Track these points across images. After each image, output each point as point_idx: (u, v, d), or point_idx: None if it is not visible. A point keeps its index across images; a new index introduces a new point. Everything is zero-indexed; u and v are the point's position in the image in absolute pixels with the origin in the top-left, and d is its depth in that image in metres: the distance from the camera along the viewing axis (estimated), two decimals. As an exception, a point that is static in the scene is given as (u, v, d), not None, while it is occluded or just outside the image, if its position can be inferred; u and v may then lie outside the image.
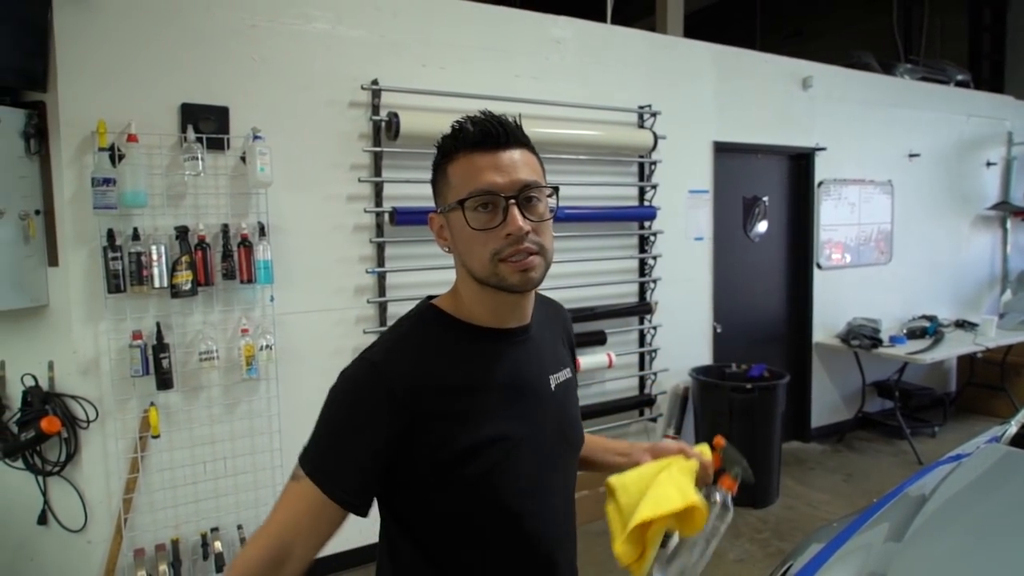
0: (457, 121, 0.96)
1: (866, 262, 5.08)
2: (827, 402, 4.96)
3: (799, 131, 4.60)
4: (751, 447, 3.79)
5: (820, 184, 4.75)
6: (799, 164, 4.75)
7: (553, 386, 1.06)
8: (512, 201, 0.92)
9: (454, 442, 0.92)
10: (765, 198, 4.61)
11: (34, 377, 2.51)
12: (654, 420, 4.03)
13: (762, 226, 4.61)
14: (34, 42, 2.36)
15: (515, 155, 0.95)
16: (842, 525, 1.57)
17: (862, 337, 4.63)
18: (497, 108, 3.50)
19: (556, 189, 0.99)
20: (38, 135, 2.43)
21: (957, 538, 1.39)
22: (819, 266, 4.80)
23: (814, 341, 4.83)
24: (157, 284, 2.53)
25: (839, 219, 4.89)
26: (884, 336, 4.68)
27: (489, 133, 0.94)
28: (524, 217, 0.92)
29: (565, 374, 1.11)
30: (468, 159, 0.94)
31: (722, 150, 4.23)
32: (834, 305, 4.89)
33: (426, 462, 0.92)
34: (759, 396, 3.78)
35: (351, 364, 0.96)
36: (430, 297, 1.05)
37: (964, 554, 1.34)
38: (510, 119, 0.97)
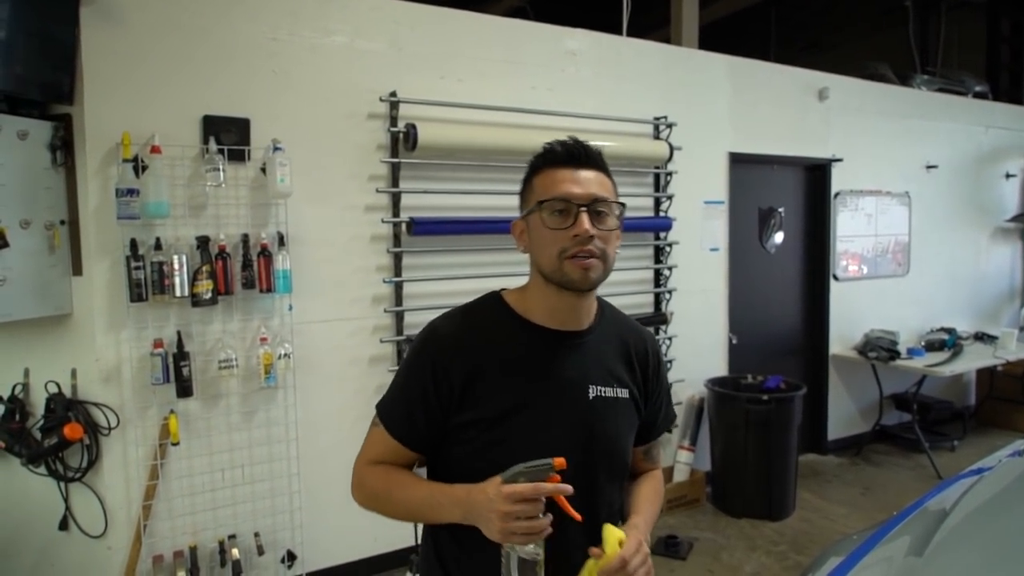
0: (548, 143, 1.13)
1: (883, 274, 5.05)
2: (844, 414, 4.92)
3: (815, 142, 4.59)
4: (767, 459, 3.77)
5: (836, 195, 4.73)
6: (815, 175, 4.74)
7: (591, 395, 1.14)
8: (583, 209, 1.06)
9: (476, 408, 1.08)
10: (781, 209, 4.59)
11: (57, 384, 2.55)
12: (669, 431, 4.00)
13: (778, 237, 4.60)
14: (61, 56, 2.41)
15: (591, 174, 1.11)
16: (861, 538, 1.55)
17: (879, 349, 4.59)
18: (512, 119, 3.52)
19: (624, 206, 1.13)
20: (64, 147, 2.48)
21: (979, 553, 1.38)
22: (835, 277, 4.77)
23: (831, 353, 4.79)
24: (178, 293, 2.56)
25: (856, 230, 4.86)
26: (902, 348, 4.64)
27: (573, 154, 1.11)
28: (592, 224, 1.06)
29: (614, 391, 1.17)
30: (552, 172, 1.11)
31: (738, 161, 4.23)
32: (851, 317, 4.85)
33: (453, 419, 1.09)
34: (775, 408, 3.75)
35: (426, 327, 1.16)
36: (502, 290, 1.20)
37: (987, 569, 1.32)
38: (593, 147, 1.13)
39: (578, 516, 0.98)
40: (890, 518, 1.62)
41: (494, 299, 1.18)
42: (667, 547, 3.38)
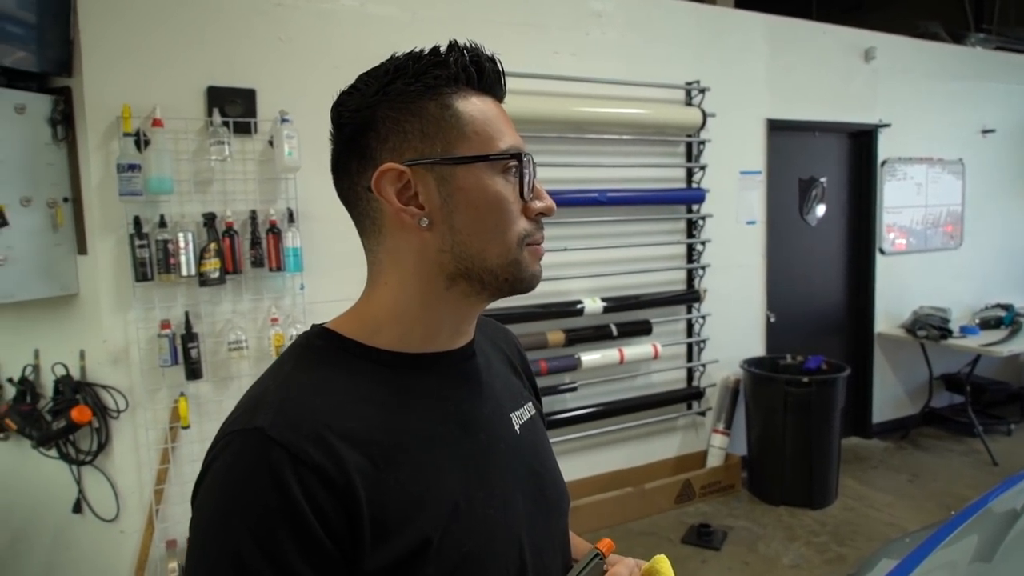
0: (459, 46, 0.71)
1: (934, 247, 4.74)
2: (890, 396, 4.66)
3: (860, 107, 4.30)
4: (807, 444, 3.57)
5: (883, 163, 4.44)
6: (860, 142, 4.45)
7: (517, 426, 0.80)
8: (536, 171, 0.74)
9: (401, 533, 0.63)
10: (823, 179, 4.33)
11: (65, 366, 2.49)
12: (702, 414, 3.84)
13: (820, 209, 4.34)
14: (58, 26, 2.31)
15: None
16: (916, 540, 1.38)
17: (929, 327, 4.32)
18: (535, 86, 3.32)
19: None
20: (64, 121, 2.39)
21: (1057, 559, 1.19)
22: (882, 251, 4.50)
23: (876, 331, 4.53)
24: (185, 272, 2.47)
25: (904, 201, 4.56)
26: (954, 326, 4.35)
27: (501, 80, 0.74)
28: None
29: (528, 411, 0.85)
30: (483, 102, 0.71)
31: (776, 128, 3.98)
32: (898, 293, 4.58)
33: (364, 566, 0.61)
34: (816, 390, 3.54)
35: (224, 441, 0.62)
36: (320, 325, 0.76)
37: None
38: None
39: None
40: (949, 519, 1.44)
41: (325, 340, 0.72)
42: (700, 536, 3.22)
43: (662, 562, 0.78)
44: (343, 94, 0.72)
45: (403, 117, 0.69)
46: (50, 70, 2.34)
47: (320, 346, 0.72)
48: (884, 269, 4.52)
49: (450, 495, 0.67)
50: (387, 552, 0.62)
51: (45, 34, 2.29)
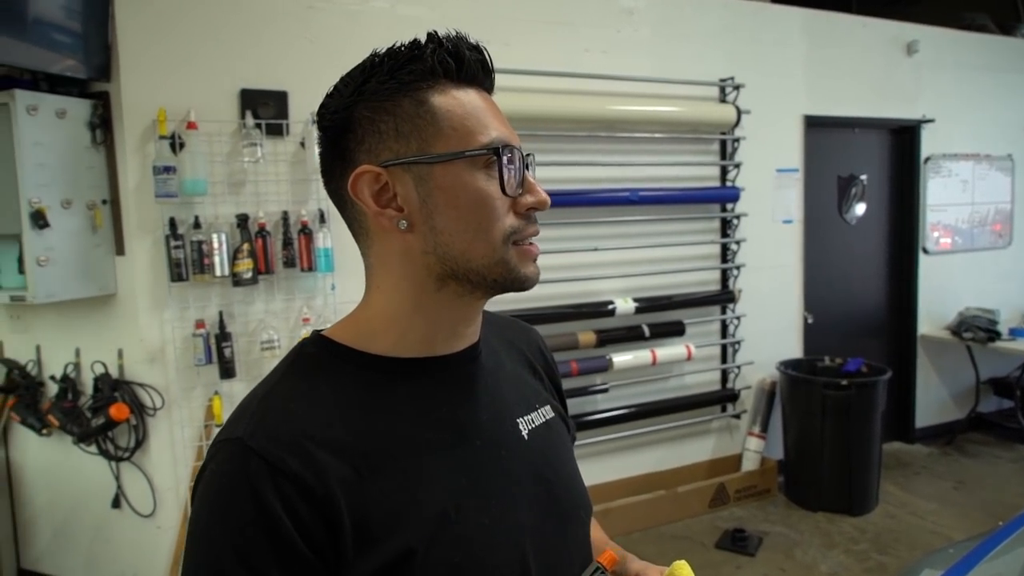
0: (437, 35, 0.67)
1: (981, 246, 4.58)
2: (934, 400, 4.51)
3: (902, 102, 4.17)
4: (846, 448, 3.47)
5: (927, 160, 4.30)
6: (902, 138, 4.31)
7: (524, 431, 0.75)
8: (528, 163, 0.70)
9: (387, 539, 0.61)
10: (863, 176, 4.21)
11: (104, 365, 2.55)
12: (737, 417, 3.76)
13: (860, 207, 4.22)
14: (99, 33, 2.37)
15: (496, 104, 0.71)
16: (962, 551, 1.32)
17: (976, 329, 4.16)
18: (565, 85, 3.28)
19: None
20: (103, 125, 2.45)
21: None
22: (925, 251, 4.35)
23: (919, 333, 4.39)
24: (219, 273, 2.51)
25: (949, 199, 4.41)
26: (1002, 328, 4.18)
27: (487, 70, 0.70)
28: None
29: (543, 415, 0.80)
30: (464, 94, 0.67)
31: (814, 125, 3.88)
32: (943, 294, 4.43)
33: (350, 571, 0.60)
34: (856, 393, 3.44)
35: (212, 451, 0.63)
36: (318, 331, 0.74)
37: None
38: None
39: None
40: (997, 528, 1.37)
41: (318, 347, 0.71)
42: (734, 541, 3.16)
43: (682, 568, 0.75)
44: (326, 96, 0.70)
45: (378, 116, 0.66)
46: (93, 76, 2.40)
47: (312, 353, 0.70)
48: (928, 269, 4.38)
49: (438, 504, 0.64)
50: (370, 562, 0.60)
51: (89, 41, 2.35)
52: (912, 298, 4.37)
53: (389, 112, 0.66)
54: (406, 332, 0.70)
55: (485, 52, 0.70)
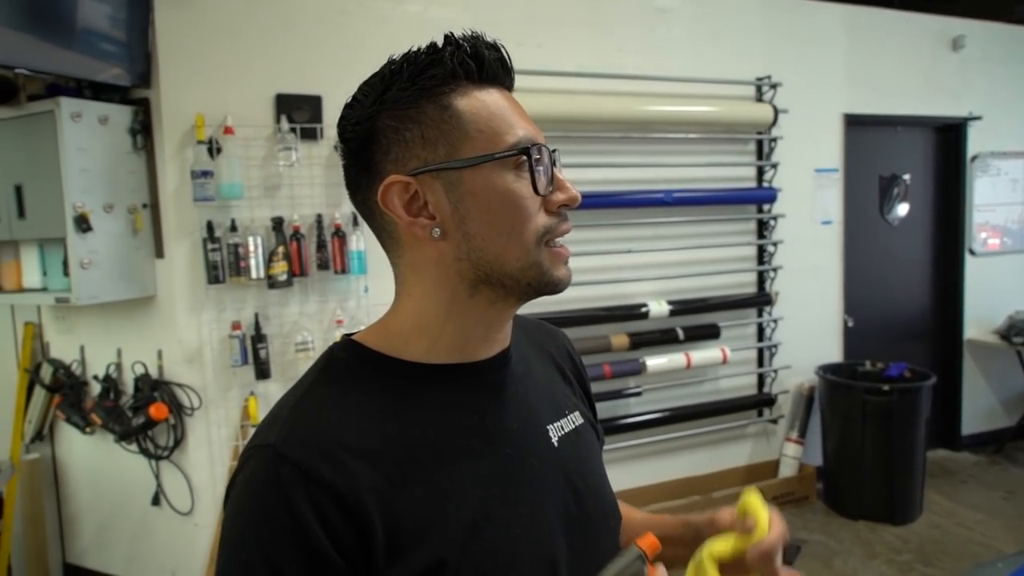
0: (454, 36, 0.66)
1: (1032, 247, 4.41)
2: (982, 407, 4.35)
3: (947, 99, 4.04)
4: (888, 455, 3.37)
5: (974, 159, 4.16)
6: (947, 137, 4.18)
7: (554, 439, 0.74)
8: (557, 161, 0.69)
9: (414, 548, 0.60)
10: (906, 176, 4.09)
11: (144, 365, 2.60)
12: (774, 422, 3.68)
13: (902, 208, 4.10)
14: (139, 40, 2.42)
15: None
16: (1011, 564, 1.26)
17: (1027, 333, 4.01)
18: (599, 85, 3.24)
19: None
20: (143, 131, 2.51)
21: None
22: (972, 252, 4.21)
23: (966, 337, 4.24)
24: (254, 275, 2.54)
25: (997, 198, 4.26)
26: (1055, 332, 4.03)
27: (507, 68, 0.68)
28: None
29: (572, 421, 0.79)
30: (487, 94, 0.67)
31: (854, 123, 3.78)
32: (991, 296, 4.28)
33: None
34: (898, 399, 3.34)
35: (244, 457, 0.63)
36: (348, 335, 0.73)
37: None
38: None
39: None
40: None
41: (349, 353, 0.70)
42: (771, 549, 3.08)
43: (752, 496, 0.74)
44: (345, 107, 0.69)
45: (403, 125, 0.65)
46: (136, 83, 2.45)
47: (343, 359, 0.70)
48: (974, 271, 4.23)
49: (469, 513, 0.63)
50: (401, 571, 0.59)
51: (132, 49, 2.41)
52: (958, 301, 4.23)
53: (414, 120, 0.65)
54: (438, 339, 0.69)
55: (503, 50, 0.68)
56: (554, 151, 0.69)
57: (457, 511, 0.63)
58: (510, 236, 0.65)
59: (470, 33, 0.67)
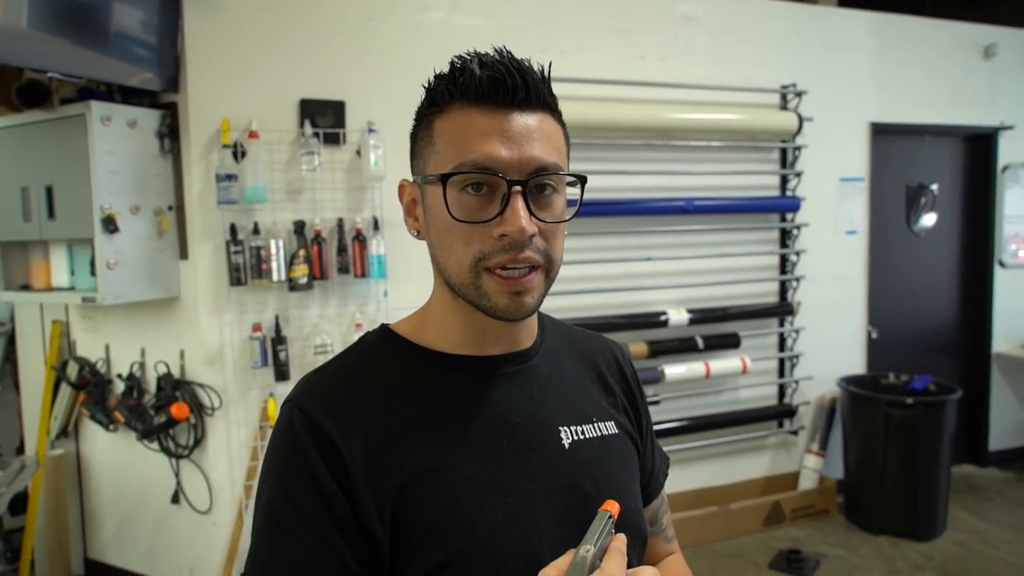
0: (459, 57, 0.70)
1: (1064, 260, 4.31)
2: (1010, 422, 4.26)
3: (978, 107, 3.97)
4: (912, 470, 3.31)
5: (1004, 169, 4.08)
6: (977, 146, 4.11)
7: (566, 441, 0.75)
8: (517, 188, 0.66)
9: (395, 508, 0.66)
10: (933, 186, 4.02)
11: (166, 365, 2.64)
12: (795, 433, 3.64)
13: (929, 218, 4.03)
14: (169, 46, 2.47)
15: (531, 121, 0.68)
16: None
17: (1058, 348, 3.92)
18: (620, 93, 3.24)
19: (583, 180, 0.71)
20: (170, 134, 2.55)
21: None
22: (1002, 264, 4.12)
23: (994, 351, 4.15)
24: (276, 278, 2.57)
25: (1029, 209, 4.17)
26: (1087, 348, 3.93)
27: (502, 82, 0.67)
28: (531, 214, 0.67)
29: (599, 429, 0.79)
30: (466, 115, 0.68)
31: (881, 132, 3.73)
32: (1021, 309, 4.18)
33: (378, 543, 0.67)
34: (922, 412, 3.28)
35: (279, 410, 0.74)
36: (384, 324, 0.83)
37: None
38: (536, 67, 0.70)
39: None
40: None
41: (379, 335, 0.79)
42: (789, 562, 3.04)
43: None
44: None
45: (419, 136, 0.75)
46: (166, 88, 2.50)
47: (372, 340, 0.79)
48: (1004, 283, 4.14)
49: (451, 491, 0.68)
50: (377, 519, 0.67)
51: (163, 54, 2.45)
52: (986, 314, 4.15)
53: (417, 133, 0.75)
54: (447, 330, 0.76)
55: (502, 68, 0.68)
56: (527, 181, 0.67)
57: (439, 487, 0.68)
58: (449, 252, 0.70)
59: (470, 54, 0.71)
